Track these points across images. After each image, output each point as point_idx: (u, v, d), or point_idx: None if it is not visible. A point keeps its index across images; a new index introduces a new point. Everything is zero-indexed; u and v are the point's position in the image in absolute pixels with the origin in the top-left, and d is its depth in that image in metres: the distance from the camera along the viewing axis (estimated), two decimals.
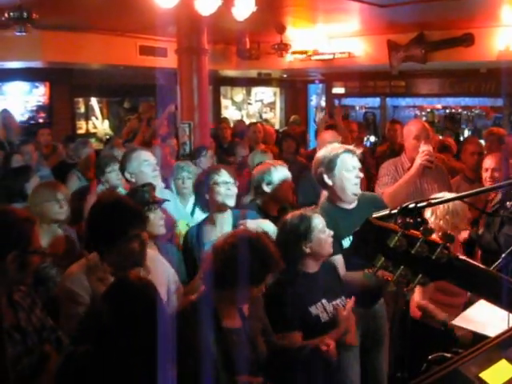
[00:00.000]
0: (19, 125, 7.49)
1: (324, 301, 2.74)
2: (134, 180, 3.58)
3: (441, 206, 3.04)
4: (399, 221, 1.25)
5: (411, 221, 1.25)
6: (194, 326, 2.11)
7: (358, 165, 3.14)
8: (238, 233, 2.42)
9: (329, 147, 3.23)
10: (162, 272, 2.72)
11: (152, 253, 2.75)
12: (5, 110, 7.45)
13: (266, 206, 3.61)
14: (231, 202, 3.19)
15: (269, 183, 3.57)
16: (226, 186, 3.16)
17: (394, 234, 1.22)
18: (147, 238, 2.52)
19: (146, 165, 3.61)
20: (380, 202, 3.28)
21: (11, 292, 2.12)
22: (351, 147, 3.22)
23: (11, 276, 1.99)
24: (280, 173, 3.62)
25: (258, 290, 2.29)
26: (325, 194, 3.36)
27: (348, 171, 3.07)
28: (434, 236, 1.23)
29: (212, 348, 2.12)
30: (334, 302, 2.77)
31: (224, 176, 3.20)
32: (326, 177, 3.10)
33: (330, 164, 3.09)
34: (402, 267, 1.22)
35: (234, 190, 3.21)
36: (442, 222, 3.21)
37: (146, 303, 1.88)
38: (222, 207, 3.19)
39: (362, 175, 3.15)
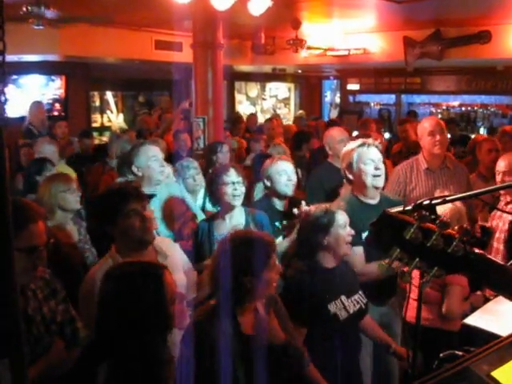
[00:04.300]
0: (46, 118, 7.69)
1: (343, 297, 2.74)
2: (140, 174, 3.58)
3: (441, 208, 2.99)
4: (415, 214, 1.26)
5: (427, 213, 1.26)
6: (214, 335, 2.10)
7: (376, 157, 3.17)
8: (226, 237, 2.42)
9: (350, 143, 3.36)
10: (179, 259, 2.79)
11: (168, 240, 2.91)
12: (38, 101, 7.72)
13: (273, 200, 3.61)
14: (237, 202, 3.25)
15: (268, 178, 3.58)
16: (233, 187, 3.23)
17: (409, 226, 1.23)
18: (151, 215, 2.58)
19: (153, 160, 3.62)
20: None
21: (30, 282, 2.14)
22: (368, 140, 3.27)
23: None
24: (279, 168, 3.60)
25: (252, 280, 2.20)
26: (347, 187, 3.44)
27: (365, 164, 3.14)
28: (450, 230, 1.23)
29: (233, 355, 2.11)
30: (352, 298, 2.78)
31: (232, 176, 3.25)
32: (347, 172, 3.23)
33: (348, 159, 3.21)
34: (417, 259, 1.23)
35: (242, 190, 3.27)
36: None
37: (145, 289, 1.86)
38: (230, 206, 3.26)
39: (381, 167, 3.17)
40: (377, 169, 3.13)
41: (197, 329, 2.15)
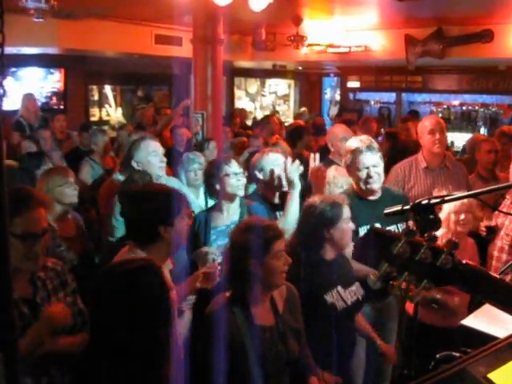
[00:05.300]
0: (39, 110, 7.59)
1: (339, 288, 2.74)
2: (140, 169, 3.59)
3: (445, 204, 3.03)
4: (404, 227, 1.27)
5: (415, 228, 1.27)
6: (227, 325, 2.14)
7: (370, 162, 3.20)
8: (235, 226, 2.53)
9: (351, 141, 3.41)
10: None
11: None
12: (30, 94, 7.58)
13: (264, 194, 3.57)
14: (241, 192, 3.28)
15: (260, 170, 3.55)
16: (236, 177, 3.24)
17: (397, 241, 1.23)
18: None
19: (153, 155, 3.63)
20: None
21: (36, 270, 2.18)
22: (365, 142, 3.28)
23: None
24: (271, 159, 3.57)
25: (256, 265, 2.24)
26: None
27: (359, 170, 3.21)
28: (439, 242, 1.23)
29: (245, 346, 2.14)
30: (349, 289, 2.78)
31: (234, 167, 3.27)
32: (348, 170, 3.34)
33: (345, 160, 3.31)
34: (406, 273, 1.23)
35: (244, 181, 3.30)
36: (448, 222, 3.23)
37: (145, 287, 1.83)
38: (232, 197, 3.26)
39: (378, 171, 3.21)
40: (369, 176, 3.18)
41: (209, 320, 2.19)
